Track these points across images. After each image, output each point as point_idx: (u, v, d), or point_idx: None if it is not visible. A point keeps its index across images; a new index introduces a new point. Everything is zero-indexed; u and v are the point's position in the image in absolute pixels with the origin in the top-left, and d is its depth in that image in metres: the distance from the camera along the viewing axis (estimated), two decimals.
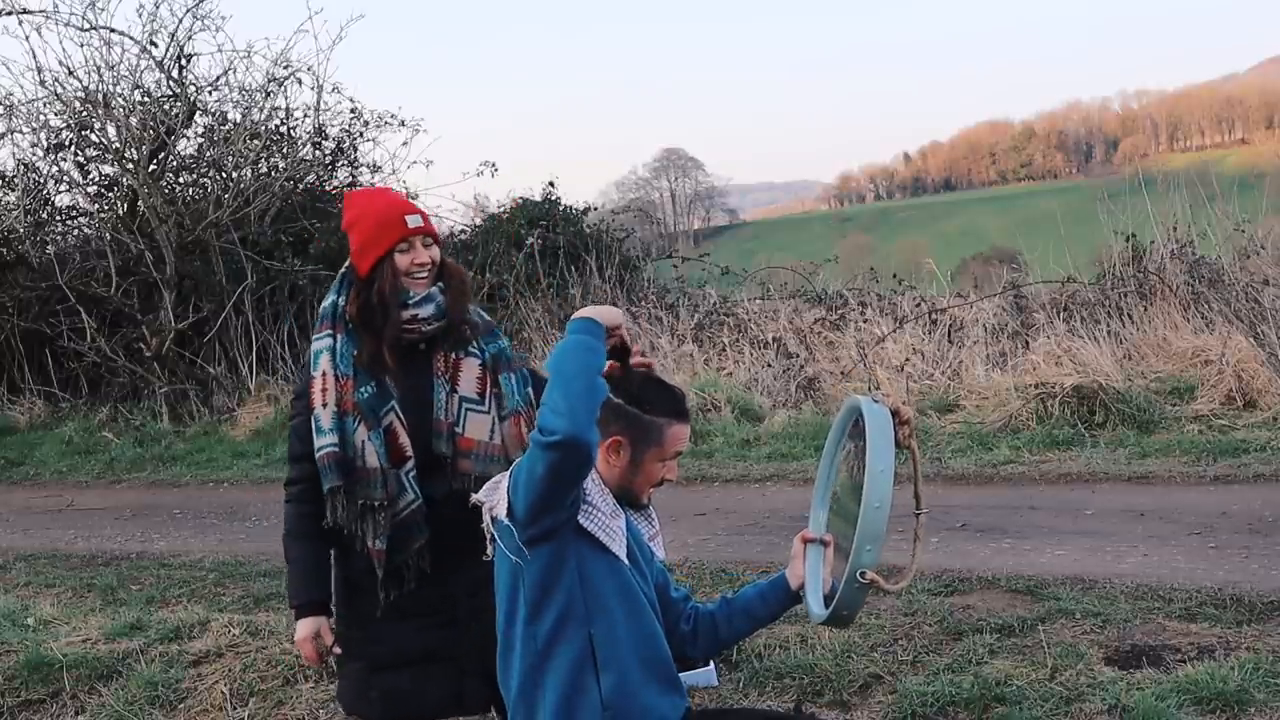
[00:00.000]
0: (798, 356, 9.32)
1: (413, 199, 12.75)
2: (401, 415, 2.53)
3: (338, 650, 2.61)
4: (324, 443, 2.51)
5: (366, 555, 2.53)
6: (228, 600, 5.31)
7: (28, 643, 4.44)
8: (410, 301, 2.52)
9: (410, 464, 2.53)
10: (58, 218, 12.71)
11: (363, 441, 2.50)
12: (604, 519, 2.23)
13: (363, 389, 2.51)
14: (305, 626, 2.60)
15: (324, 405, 2.51)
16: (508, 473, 2.25)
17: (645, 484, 2.33)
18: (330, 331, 2.54)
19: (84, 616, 4.93)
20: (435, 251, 2.56)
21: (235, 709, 3.78)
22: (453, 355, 2.57)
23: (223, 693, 3.91)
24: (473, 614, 2.54)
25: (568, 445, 2.01)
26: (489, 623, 2.32)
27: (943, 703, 3.34)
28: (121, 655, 4.30)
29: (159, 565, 6.20)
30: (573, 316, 2.19)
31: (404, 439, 2.52)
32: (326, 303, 2.58)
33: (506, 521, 2.18)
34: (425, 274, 2.53)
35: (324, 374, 2.51)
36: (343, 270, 2.62)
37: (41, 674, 4.18)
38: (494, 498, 2.24)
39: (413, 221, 2.51)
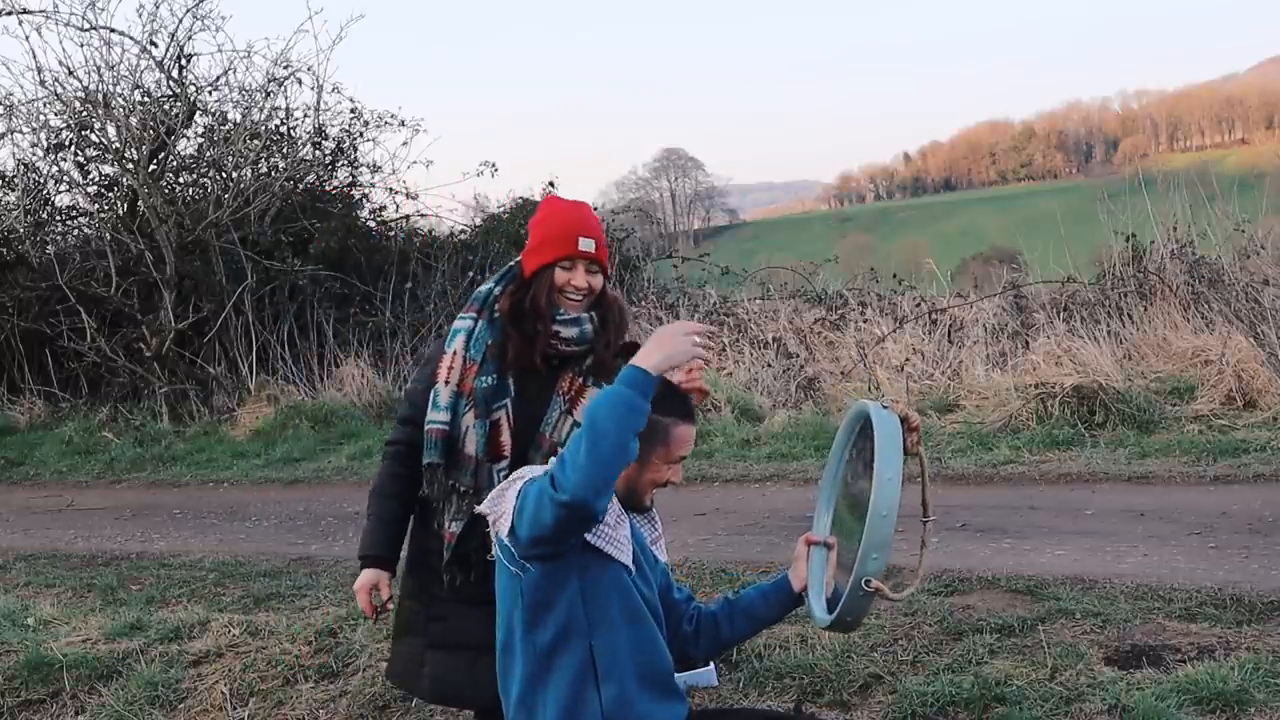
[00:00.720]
0: (798, 356, 9.32)
1: (413, 199, 12.82)
2: (511, 415, 2.57)
3: (391, 606, 2.66)
4: (436, 418, 2.56)
5: (440, 534, 2.59)
6: (228, 600, 5.31)
7: (28, 643, 4.44)
8: (558, 318, 2.55)
9: (505, 463, 2.55)
10: (58, 218, 12.71)
11: (468, 427, 2.55)
12: (609, 531, 2.22)
13: (484, 378, 2.55)
14: (367, 576, 2.65)
15: (446, 383, 2.57)
16: (513, 480, 2.24)
17: (649, 485, 2.33)
18: (475, 315, 2.61)
19: (84, 616, 4.93)
20: (598, 280, 2.60)
21: (235, 709, 3.78)
22: (579, 380, 2.60)
23: (223, 693, 3.91)
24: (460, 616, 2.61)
25: (576, 508, 2.02)
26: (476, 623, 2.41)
27: (943, 703, 3.34)
28: (121, 655, 4.30)
29: (159, 565, 6.20)
30: (632, 360, 2.13)
31: (506, 436, 2.56)
32: (483, 288, 2.66)
33: (506, 541, 2.18)
34: (580, 298, 2.56)
35: (455, 353, 2.58)
36: (511, 264, 2.66)
37: (41, 674, 4.18)
38: (498, 508, 2.24)
39: (584, 244, 2.54)
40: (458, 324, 2.62)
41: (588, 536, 2.18)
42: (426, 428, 2.57)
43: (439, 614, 2.61)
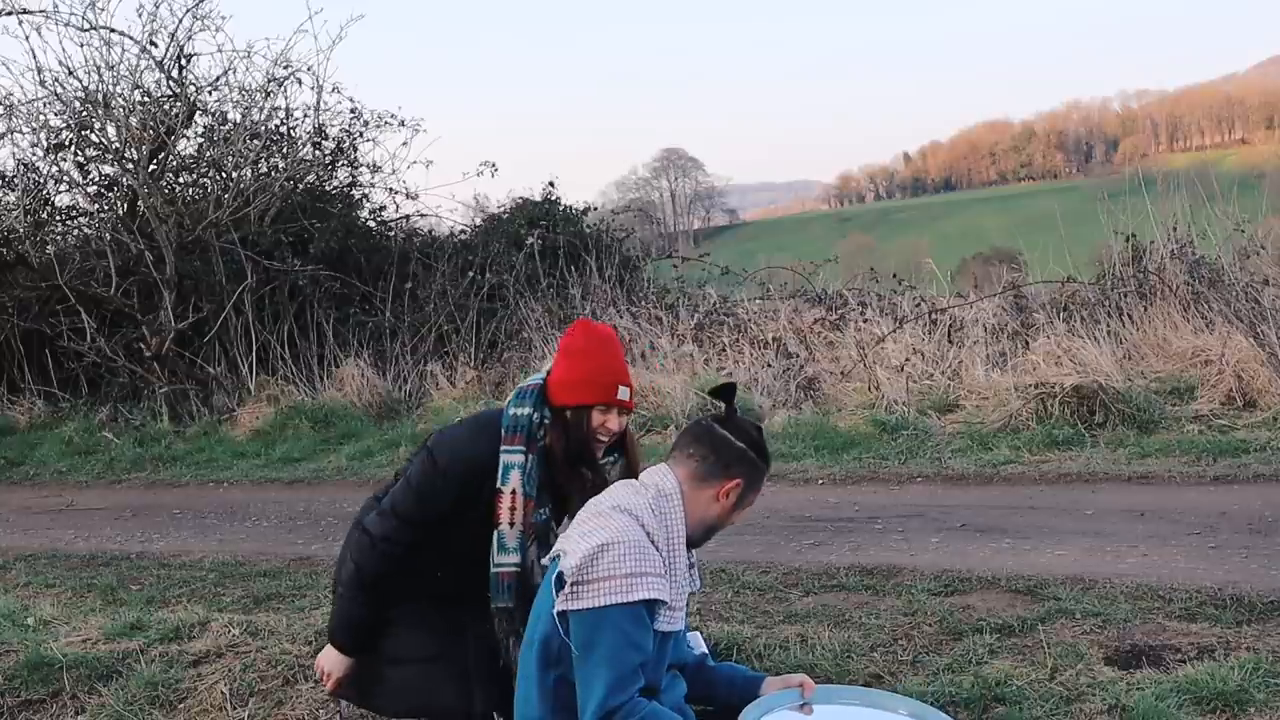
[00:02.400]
0: (798, 356, 9.32)
1: (413, 199, 12.84)
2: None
3: (344, 701, 2.74)
4: (507, 561, 2.61)
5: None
6: (228, 600, 5.31)
7: (28, 643, 4.44)
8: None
9: None
10: (58, 218, 12.69)
11: (533, 562, 2.63)
12: (673, 614, 2.33)
13: (541, 511, 2.63)
14: (344, 664, 2.69)
15: (510, 525, 2.60)
16: (596, 549, 2.24)
17: (724, 527, 2.44)
18: (524, 449, 2.61)
19: (84, 616, 4.93)
20: (625, 423, 2.70)
21: (235, 709, 3.78)
22: None
23: (223, 693, 3.91)
24: (482, 632, 2.71)
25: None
26: (493, 636, 2.60)
27: (943, 703, 3.34)
28: (121, 655, 4.30)
29: (159, 565, 6.20)
30: None
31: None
32: (521, 413, 2.64)
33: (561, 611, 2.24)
34: (608, 439, 2.66)
35: (513, 492, 2.60)
36: (538, 384, 2.68)
37: (41, 674, 4.17)
38: (575, 546, 2.27)
39: (623, 394, 2.65)
40: (508, 459, 2.61)
41: (659, 628, 2.29)
42: (497, 570, 2.61)
43: (391, 631, 2.72)
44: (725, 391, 2.45)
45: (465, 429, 2.73)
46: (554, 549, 2.42)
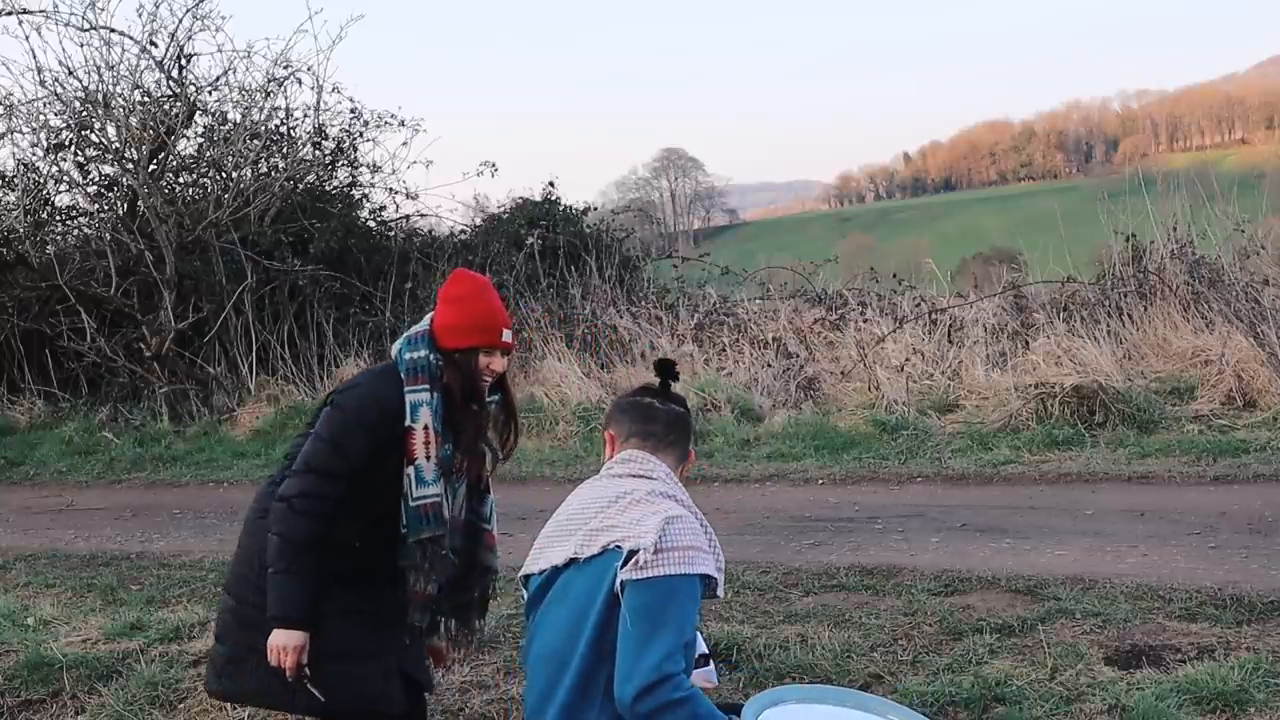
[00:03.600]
0: (798, 356, 9.32)
1: (413, 199, 12.85)
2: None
3: (307, 672, 2.67)
4: (429, 493, 2.71)
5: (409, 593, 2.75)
6: None
7: (28, 643, 4.44)
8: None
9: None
10: (58, 218, 12.69)
11: (442, 493, 2.73)
12: (717, 558, 2.42)
13: (446, 446, 2.74)
14: (296, 638, 2.65)
15: (427, 458, 2.70)
16: (664, 523, 2.31)
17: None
18: (428, 387, 2.73)
19: (84, 616, 4.93)
20: (506, 363, 2.86)
21: (235, 709, 3.78)
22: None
23: None
24: (404, 624, 2.80)
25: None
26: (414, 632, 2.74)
27: (943, 703, 3.34)
28: (121, 655, 4.30)
29: (159, 565, 6.20)
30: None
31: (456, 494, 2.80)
32: (419, 355, 2.76)
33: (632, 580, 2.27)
34: (491, 379, 2.82)
35: (426, 427, 2.70)
36: (425, 330, 2.80)
37: (41, 674, 4.17)
38: (637, 531, 2.31)
39: (506, 337, 2.82)
40: (414, 397, 2.72)
41: (715, 573, 2.37)
42: (419, 503, 2.70)
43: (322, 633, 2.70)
44: (667, 368, 2.61)
45: (365, 379, 2.85)
46: (532, 558, 2.50)
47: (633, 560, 2.25)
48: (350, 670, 2.69)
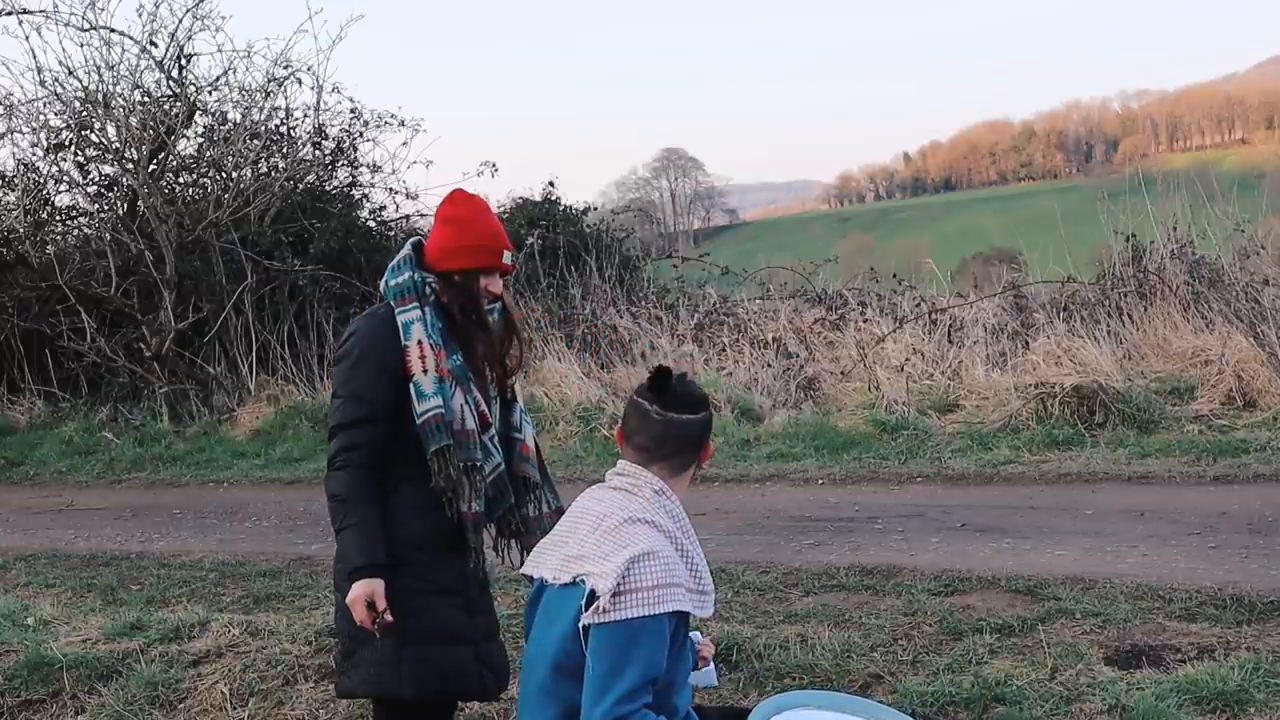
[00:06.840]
0: (798, 356, 9.32)
1: (413, 199, 12.84)
2: (477, 389, 2.73)
3: (389, 618, 2.56)
4: (429, 406, 2.63)
5: (454, 517, 2.65)
6: (228, 600, 5.31)
7: (28, 643, 4.44)
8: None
9: (493, 430, 2.75)
10: (58, 218, 12.69)
11: (460, 405, 2.66)
12: (705, 599, 2.36)
13: (454, 357, 2.69)
14: (365, 586, 2.55)
15: (424, 371, 2.64)
16: (625, 548, 2.24)
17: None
18: (416, 304, 2.69)
19: (84, 616, 4.93)
20: (501, 287, 2.81)
21: (235, 709, 3.78)
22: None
23: (223, 693, 3.91)
24: (484, 604, 2.76)
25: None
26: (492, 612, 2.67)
27: (943, 703, 3.34)
28: (121, 655, 4.30)
29: (159, 565, 6.20)
30: None
31: (484, 406, 2.72)
32: (403, 279, 2.71)
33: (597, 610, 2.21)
34: (489, 301, 2.77)
35: (419, 342, 2.66)
36: (409, 253, 2.75)
37: (41, 674, 4.17)
38: (602, 568, 2.25)
39: (507, 258, 2.77)
40: (405, 317, 2.67)
41: (698, 611, 2.31)
42: (424, 417, 2.62)
43: (411, 609, 2.60)
44: (660, 378, 2.43)
45: (361, 323, 2.78)
46: (532, 559, 2.45)
47: (594, 605, 2.21)
48: (445, 653, 2.64)
